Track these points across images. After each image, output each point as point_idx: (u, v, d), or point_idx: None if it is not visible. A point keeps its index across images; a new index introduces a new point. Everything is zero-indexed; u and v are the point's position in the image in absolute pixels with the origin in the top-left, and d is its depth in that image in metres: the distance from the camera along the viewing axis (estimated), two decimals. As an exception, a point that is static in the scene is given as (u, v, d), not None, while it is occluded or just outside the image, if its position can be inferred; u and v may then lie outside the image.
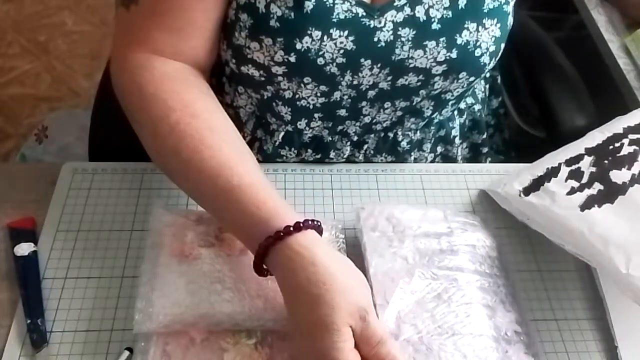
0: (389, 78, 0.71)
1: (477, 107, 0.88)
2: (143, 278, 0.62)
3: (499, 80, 0.95)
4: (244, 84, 0.76)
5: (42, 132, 1.56)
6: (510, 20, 0.73)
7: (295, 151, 0.80)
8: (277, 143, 0.79)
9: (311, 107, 0.74)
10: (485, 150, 0.90)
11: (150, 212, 0.68)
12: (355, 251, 0.68)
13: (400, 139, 0.81)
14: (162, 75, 0.65)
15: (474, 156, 0.90)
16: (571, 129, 0.87)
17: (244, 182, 0.59)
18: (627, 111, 0.78)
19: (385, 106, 0.75)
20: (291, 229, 0.56)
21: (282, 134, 0.79)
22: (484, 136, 0.89)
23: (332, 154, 0.80)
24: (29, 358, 0.59)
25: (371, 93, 0.73)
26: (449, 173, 0.80)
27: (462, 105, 0.86)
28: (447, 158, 0.87)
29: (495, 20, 0.70)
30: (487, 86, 0.93)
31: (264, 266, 0.59)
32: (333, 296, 0.53)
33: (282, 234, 0.56)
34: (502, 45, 0.73)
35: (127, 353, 0.59)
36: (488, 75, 0.92)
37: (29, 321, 0.61)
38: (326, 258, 0.56)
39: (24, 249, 0.66)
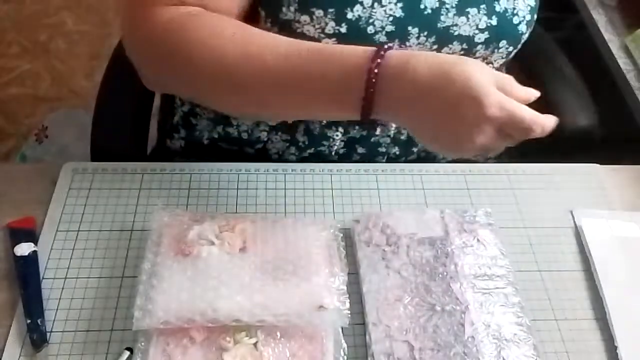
0: (435, 47, 0.72)
1: None
2: (142, 276, 0.62)
3: None
4: None
5: (42, 132, 1.56)
6: None
7: (342, 130, 0.79)
8: (323, 122, 0.78)
9: None
10: None
11: (150, 212, 0.68)
12: (354, 252, 0.68)
13: None
14: (198, 12, 0.66)
15: None
16: (571, 129, 0.86)
17: (317, 45, 0.63)
18: (627, 111, 0.78)
19: None
20: (388, 45, 0.61)
21: None
22: None
23: (378, 130, 0.79)
24: (29, 358, 0.59)
25: None
26: (449, 173, 0.79)
27: None
28: None
29: None
30: None
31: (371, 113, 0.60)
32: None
33: (386, 46, 0.60)
34: (535, 17, 0.75)
35: (127, 353, 0.59)
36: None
37: (29, 321, 0.61)
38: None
39: (24, 249, 0.66)
